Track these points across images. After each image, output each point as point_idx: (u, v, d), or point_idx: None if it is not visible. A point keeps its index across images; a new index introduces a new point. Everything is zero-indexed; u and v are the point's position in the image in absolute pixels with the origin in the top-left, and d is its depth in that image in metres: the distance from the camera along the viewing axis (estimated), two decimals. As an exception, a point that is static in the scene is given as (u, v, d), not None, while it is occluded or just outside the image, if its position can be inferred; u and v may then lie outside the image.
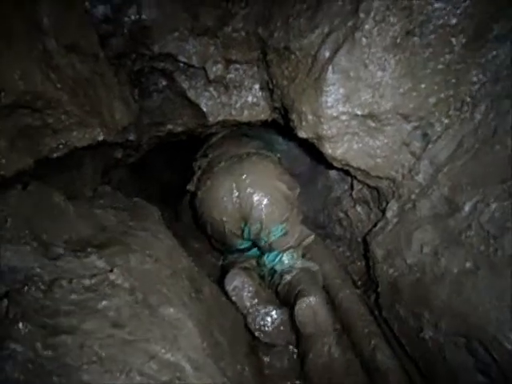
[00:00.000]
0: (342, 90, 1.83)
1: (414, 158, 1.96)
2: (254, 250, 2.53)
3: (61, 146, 1.31)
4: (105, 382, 0.78)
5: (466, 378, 1.48)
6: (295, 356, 2.00)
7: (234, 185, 2.25)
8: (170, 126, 2.22)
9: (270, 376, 1.84)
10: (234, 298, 2.05)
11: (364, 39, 1.68)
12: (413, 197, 1.97)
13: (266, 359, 1.96)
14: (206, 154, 2.57)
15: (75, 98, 1.29)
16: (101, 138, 1.40)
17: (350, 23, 1.71)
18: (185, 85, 2.09)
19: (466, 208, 1.65)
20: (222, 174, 2.30)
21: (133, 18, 1.75)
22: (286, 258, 2.33)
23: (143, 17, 1.77)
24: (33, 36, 1.18)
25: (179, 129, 2.25)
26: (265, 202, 2.25)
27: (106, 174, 2.16)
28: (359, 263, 2.55)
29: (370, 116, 1.86)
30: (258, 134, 2.83)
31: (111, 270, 1.10)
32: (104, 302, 0.97)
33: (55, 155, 1.32)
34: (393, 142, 1.94)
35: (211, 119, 2.17)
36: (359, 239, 2.55)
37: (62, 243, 1.16)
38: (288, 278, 2.22)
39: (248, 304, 2.04)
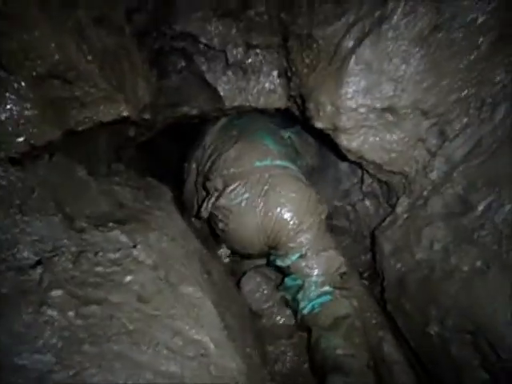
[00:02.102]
0: (363, 82, 1.81)
1: (429, 154, 1.96)
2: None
3: (87, 120, 1.30)
4: (133, 354, 0.79)
5: (469, 374, 1.51)
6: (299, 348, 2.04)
7: (261, 224, 2.09)
8: (185, 108, 2.20)
9: (274, 365, 1.90)
10: (249, 300, 2.10)
11: (391, 31, 1.67)
12: (425, 193, 1.97)
13: (271, 349, 1.99)
14: (218, 169, 2.24)
15: (103, 71, 1.28)
16: (125, 114, 1.39)
17: (377, 13, 1.69)
18: (204, 67, 2.07)
19: (480, 207, 1.66)
20: (246, 211, 2.09)
21: (158, -6, 1.73)
22: (308, 286, 2.02)
23: (169, -6, 1.76)
24: (67, 7, 1.16)
25: (194, 112, 2.24)
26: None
27: (117, 152, 2.15)
28: (364, 257, 2.56)
29: (390, 110, 1.85)
30: (266, 126, 2.60)
31: (134, 246, 1.10)
32: (129, 277, 0.98)
33: (80, 128, 1.31)
34: (409, 137, 1.94)
35: (227, 103, 2.16)
36: (365, 233, 2.56)
37: (84, 217, 1.16)
38: (308, 317, 2.00)
39: (264, 306, 2.11)
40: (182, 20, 1.86)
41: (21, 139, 1.09)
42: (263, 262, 2.41)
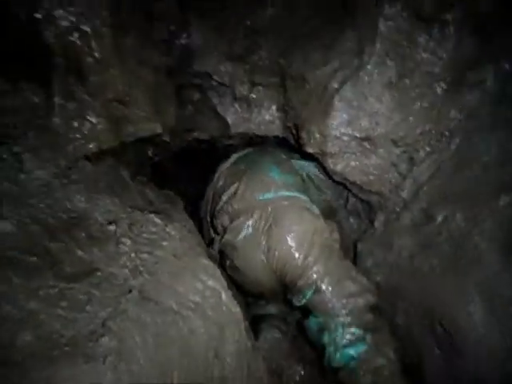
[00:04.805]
0: (345, 116, 2.22)
1: (400, 177, 2.33)
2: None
3: (131, 133, 1.70)
4: (175, 286, 1.13)
5: (427, 352, 1.83)
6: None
7: (266, 261, 2.08)
8: (197, 133, 2.61)
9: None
10: (266, 356, 2.01)
11: (366, 77, 2.10)
12: (397, 209, 2.34)
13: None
14: (223, 206, 2.31)
15: (146, 98, 1.69)
16: (159, 131, 1.80)
17: (355, 62, 2.13)
18: (215, 100, 2.50)
19: (439, 218, 2.02)
20: (250, 248, 2.11)
21: (183, 42, 2.19)
22: (334, 329, 1.87)
23: (191, 42, 2.21)
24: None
25: (205, 136, 2.65)
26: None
27: (139, 167, 2.52)
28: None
29: (367, 139, 2.25)
30: (274, 157, 2.65)
31: (166, 225, 1.47)
32: (165, 242, 1.34)
33: (127, 140, 1.70)
34: (384, 162, 2.31)
35: (233, 130, 2.57)
36: (350, 246, 2.90)
37: (129, 206, 1.53)
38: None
39: (283, 363, 2.09)
40: (200, 61, 2.31)
41: (93, 144, 1.47)
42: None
